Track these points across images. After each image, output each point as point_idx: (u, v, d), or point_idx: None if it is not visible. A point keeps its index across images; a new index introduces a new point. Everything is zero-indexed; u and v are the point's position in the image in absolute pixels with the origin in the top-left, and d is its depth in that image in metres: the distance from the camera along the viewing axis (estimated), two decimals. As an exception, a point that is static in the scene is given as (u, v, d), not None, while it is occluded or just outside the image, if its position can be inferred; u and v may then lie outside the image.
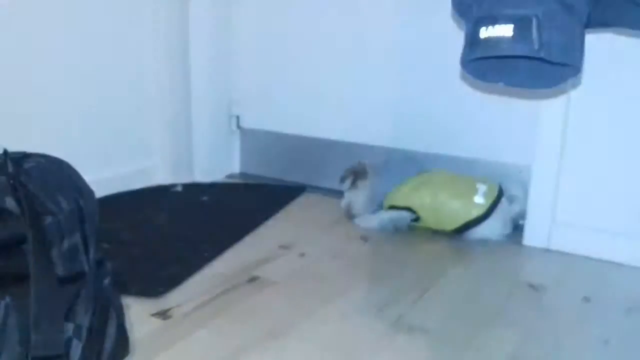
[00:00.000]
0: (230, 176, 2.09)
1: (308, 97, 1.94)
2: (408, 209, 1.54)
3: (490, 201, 1.48)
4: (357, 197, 1.62)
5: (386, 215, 1.57)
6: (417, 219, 1.55)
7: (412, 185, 1.53)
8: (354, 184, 1.63)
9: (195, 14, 1.90)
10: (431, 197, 1.51)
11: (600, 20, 0.80)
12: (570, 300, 1.22)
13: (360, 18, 1.79)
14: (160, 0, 1.86)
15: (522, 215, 1.51)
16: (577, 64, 0.72)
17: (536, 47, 0.68)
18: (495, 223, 1.49)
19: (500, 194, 1.49)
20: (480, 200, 1.48)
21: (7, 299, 0.72)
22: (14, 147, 0.84)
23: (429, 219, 1.53)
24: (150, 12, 1.86)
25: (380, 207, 1.59)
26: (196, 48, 1.92)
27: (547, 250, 1.47)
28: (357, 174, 1.63)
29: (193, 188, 1.92)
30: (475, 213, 1.48)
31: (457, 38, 1.49)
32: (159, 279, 1.24)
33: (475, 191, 1.48)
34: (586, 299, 1.22)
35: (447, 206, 1.50)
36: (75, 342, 0.79)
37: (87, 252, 0.84)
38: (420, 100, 1.74)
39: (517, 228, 1.53)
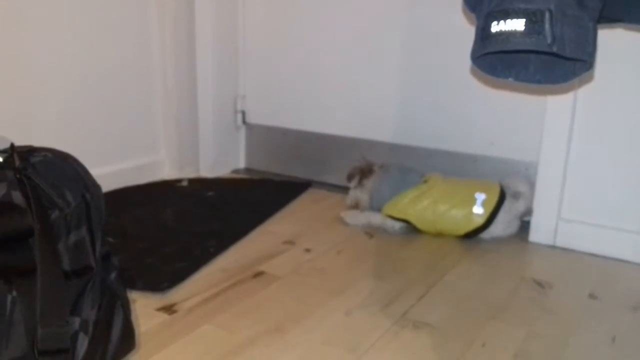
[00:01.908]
0: (235, 171, 2.09)
1: (313, 92, 1.94)
2: (405, 221, 1.53)
3: (490, 210, 1.46)
4: (364, 194, 1.62)
5: (376, 220, 1.57)
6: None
7: (410, 198, 1.51)
8: (360, 182, 1.63)
9: (201, 10, 1.89)
10: (430, 209, 1.49)
11: (611, 15, 0.79)
12: (576, 297, 1.21)
13: (365, 14, 1.79)
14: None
15: (528, 212, 1.50)
16: (590, 59, 0.72)
17: (549, 41, 0.67)
18: (496, 229, 1.48)
19: (501, 198, 1.48)
20: (479, 210, 1.47)
21: (14, 292, 0.72)
22: (21, 141, 0.84)
23: (429, 231, 1.53)
24: (156, 8, 1.86)
25: (378, 209, 1.58)
26: (202, 44, 1.92)
27: (553, 247, 1.47)
28: (363, 172, 1.62)
29: (199, 183, 1.92)
30: (475, 224, 1.47)
31: (463, 33, 1.50)
32: (164, 274, 1.24)
33: (474, 201, 1.48)
34: (592, 296, 1.22)
35: (446, 219, 1.49)
36: (81, 336, 0.79)
37: (93, 246, 0.84)
38: (426, 95, 1.74)
39: (523, 225, 1.52)
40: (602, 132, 1.39)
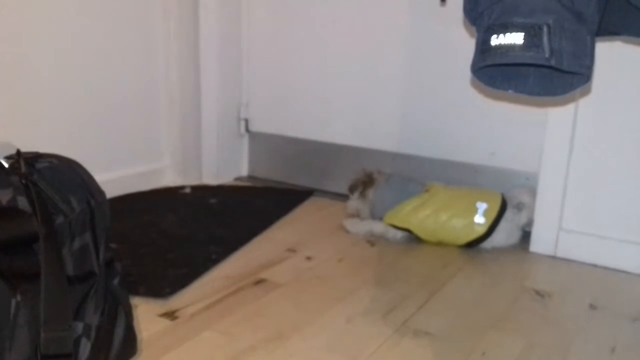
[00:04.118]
0: (238, 179, 2.10)
1: (316, 101, 1.95)
2: (407, 230, 1.54)
3: (491, 219, 1.47)
4: (365, 205, 1.62)
5: (378, 229, 1.57)
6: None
7: (412, 207, 1.52)
8: (362, 193, 1.63)
9: (206, 19, 1.91)
10: (431, 218, 1.50)
11: (609, 28, 0.80)
12: (577, 307, 1.22)
13: (370, 24, 1.80)
14: (170, 4, 1.88)
15: (531, 222, 1.51)
16: (587, 72, 0.73)
17: (547, 55, 0.69)
18: (498, 239, 1.48)
19: (503, 208, 1.48)
20: (480, 220, 1.47)
21: (18, 297, 0.73)
22: (26, 147, 0.85)
23: (430, 240, 1.53)
24: (161, 15, 1.88)
25: (380, 218, 1.58)
26: (206, 51, 1.94)
27: (554, 258, 1.47)
28: (365, 184, 1.62)
29: (201, 190, 1.93)
30: (476, 234, 1.48)
31: (465, 45, 1.51)
32: (167, 280, 1.25)
33: (475, 211, 1.48)
34: (592, 307, 1.22)
35: (447, 228, 1.49)
36: (84, 340, 0.80)
37: (97, 251, 0.84)
38: (428, 105, 1.75)
39: (524, 235, 1.53)
40: (603, 143, 1.40)
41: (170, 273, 1.29)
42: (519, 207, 1.50)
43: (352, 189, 1.66)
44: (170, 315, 1.12)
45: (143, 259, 1.36)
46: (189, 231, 1.55)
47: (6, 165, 0.79)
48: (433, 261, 1.44)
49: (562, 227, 1.47)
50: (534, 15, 0.69)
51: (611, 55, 1.33)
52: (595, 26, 0.73)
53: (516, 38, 0.70)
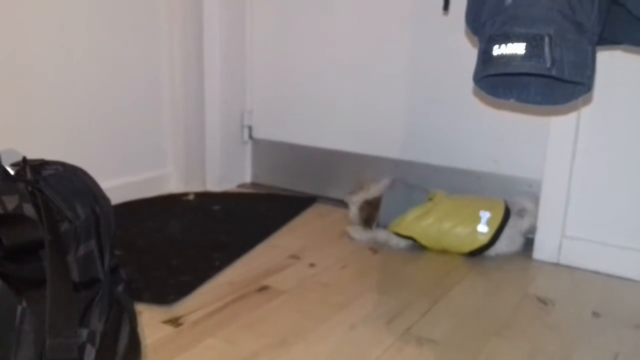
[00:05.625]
0: (241, 186, 2.11)
1: (320, 108, 1.96)
2: (411, 238, 1.54)
3: (494, 228, 1.47)
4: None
5: (381, 237, 1.57)
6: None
7: (416, 215, 1.52)
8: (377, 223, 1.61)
9: (209, 26, 1.92)
10: (435, 227, 1.50)
11: (610, 37, 0.81)
12: (579, 314, 1.22)
13: (373, 33, 1.81)
14: (174, 11, 1.89)
15: (533, 229, 1.51)
16: (588, 81, 0.73)
17: (548, 65, 0.69)
18: (501, 246, 1.48)
19: (506, 216, 1.48)
20: (484, 229, 1.47)
21: (24, 303, 0.73)
22: (31, 154, 0.86)
23: (434, 248, 1.53)
24: (165, 23, 1.89)
25: (384, 226, 1.59)
26: (210, 58, 1.95)
27: (557, 265, 1.47)
28: (372, 215, 1.61)
29: (205, 197, 1.93)
30: (480, 242, 1.48)
31: (467, 53, 1.52)
32: (170, 287, 1.25)
33: (478, 219, 1.49)
34: (595, 314, 1.22)
35: (451, 236, 1.49)
36: (89, 347, 0.80)
37: (102, 258, 0.85)
38: (431, 113, 1.75)
39: (527, 242, 1.53)
40: (605, 150, 1.40)
41: (174, 280, 1.29)
42: (521, 213, 1.50)
43: (367, 222, 1.62)
44: (174, 322, 1.13)
45: (147, 265, 1.36)
46: (193, 238, 1.56)
47: (12, 172, 0.80)
48: (436, 269, 1.44)
49: (565, 234, 1.47)
50: (535, 26, 0.70)
51: (612, 65, 1.33)
52: (597, 36, 0.73)
53: (518, 48, 0.70)
